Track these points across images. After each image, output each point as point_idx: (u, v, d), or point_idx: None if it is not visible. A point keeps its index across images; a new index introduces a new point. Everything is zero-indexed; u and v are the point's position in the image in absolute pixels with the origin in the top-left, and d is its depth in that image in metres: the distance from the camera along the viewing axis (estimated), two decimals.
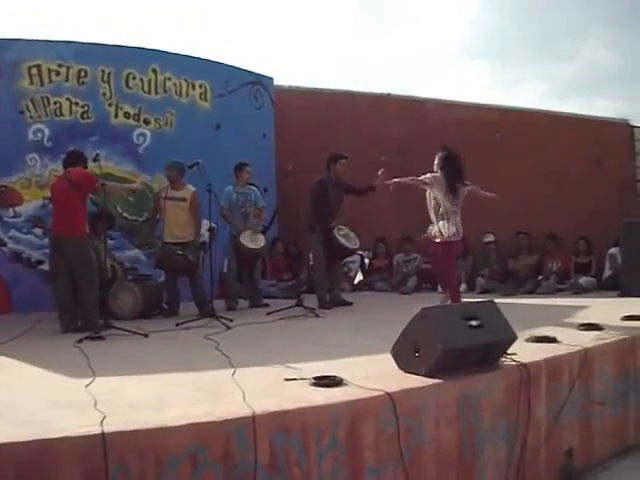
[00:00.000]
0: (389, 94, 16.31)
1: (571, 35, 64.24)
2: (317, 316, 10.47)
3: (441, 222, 9.61)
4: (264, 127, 15.47)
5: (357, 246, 12.45)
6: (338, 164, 11.94)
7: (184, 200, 11.27)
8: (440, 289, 10.49)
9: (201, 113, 14.22)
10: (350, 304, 12.03)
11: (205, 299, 10.83)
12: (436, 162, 9.83)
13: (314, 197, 11.81)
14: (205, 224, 11.08)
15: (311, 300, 11.39)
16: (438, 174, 9.73)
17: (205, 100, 14.30)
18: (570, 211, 13.96)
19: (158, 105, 13.58)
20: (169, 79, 13.70)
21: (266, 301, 12.20)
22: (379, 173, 10.51)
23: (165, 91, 13.66)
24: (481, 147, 14.56)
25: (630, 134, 14.39)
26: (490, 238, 14.55)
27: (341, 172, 11.97)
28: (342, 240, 11.77)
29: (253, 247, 11.77)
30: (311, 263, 12.58)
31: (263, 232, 12.44)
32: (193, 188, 11.13)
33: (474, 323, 5.79)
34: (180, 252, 10.94)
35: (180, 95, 13.89)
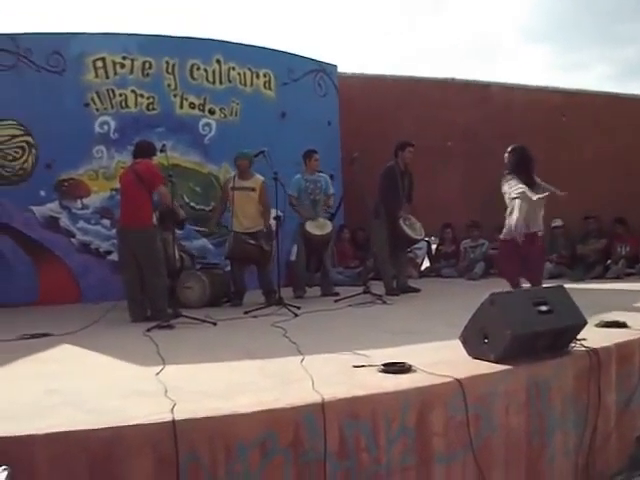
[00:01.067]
0: (453, 79, 16.21)
1: (632, 17, 63.30)
2: (384, 303, 10.42)
3: None
4: (329, 115, 15.45)
5: (422, 237, 12.47)
6: (406, 151, 11.88)
7: (253, 190, 11.28)
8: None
9: (266, 102, 14.22)
10: (418, 291, 11.95)
11: (273, 288, 10.82)
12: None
13: (383, 183, 11.78)
14: (272, 212, 11.05)
15: (378, 287, 11.36)
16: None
17: (269, 89, 14.32)
18: (638, 194, 13.76)
19: (223, 95, 13.62)
20: (233, 69, 13.73)
21: (335, 289, 12.13)
22: None
23: (229, 81, 13.69)
24: (547, 131, 14.44)
25: None
26: (558, 223, 14.34)
27: (408, 159, 11.91)
28: (407, 230, 11.70)
29: (318, 233, 11.75)
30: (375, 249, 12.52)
31: (330, 219, 12.38)
32: (261, 178, 11.15)
33: (543, 308, 5.74)
34: (252, 242, 10.98)
35: (244, 84, 13.92)
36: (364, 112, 15.74)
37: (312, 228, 11.77)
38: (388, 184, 11.69)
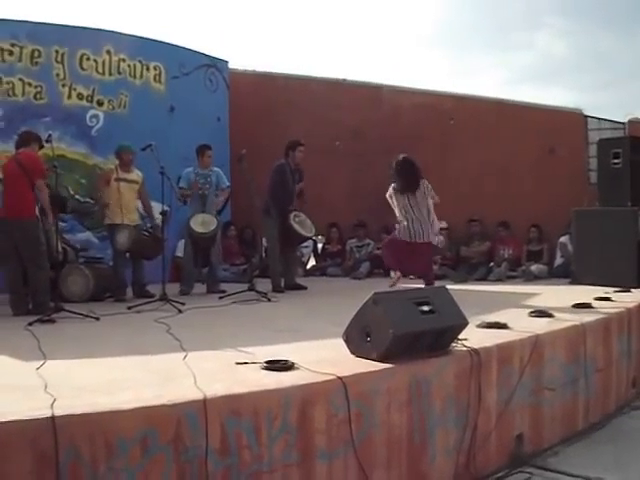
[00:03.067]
0: (344, 79, 16.31)
1: (526, 25, 64.79)
2: (269, 300, 10.43)
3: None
4: (218, 110, 15.48)
5: (312, 234, 12.62)
6: (297, 151, 12.04)
7: (137, 183, 11.32)
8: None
9: (155, 95, 14.15)
10: (304, 288, 12.09)
11: (145, 282, 11.16)
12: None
13: (273, 181, 11.91)
14: (158, 207, 10.91)
15: (264, 284, 11.37)
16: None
17: (159, 82, 14.23)
18: (523, 199, 14.13)
19: (112, 86, 13.51)
20: (123, 60, 13.61)
21: (220, 286, 12.10)
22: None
23: (119, 72, 13.58)
24: (435, 134, 14.69)
25: (583, 123, 14.53)
26: (442, 225, 14.38)
27: (299, 159, 12.07)
28: (297, 227, 11.83)
29: (201, 231, 11.70)
30: (265, 247, 12.58)
31: (216, 216, 12.29)
32: (139, 171, 11.30)
33: (426, 308, 5.76)
34: (147, 234, 11.19)
35: (134, 77, 13.80)
36: (254, 109, 15.85)
37: (195, 225, 11.71)
38: (279, 181, 11.83)
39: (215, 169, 12.42)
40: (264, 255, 13.11)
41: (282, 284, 11.95)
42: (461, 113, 15.14)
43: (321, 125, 15.43)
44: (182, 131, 13.31)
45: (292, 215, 11.82)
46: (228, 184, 12.56)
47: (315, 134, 14.51)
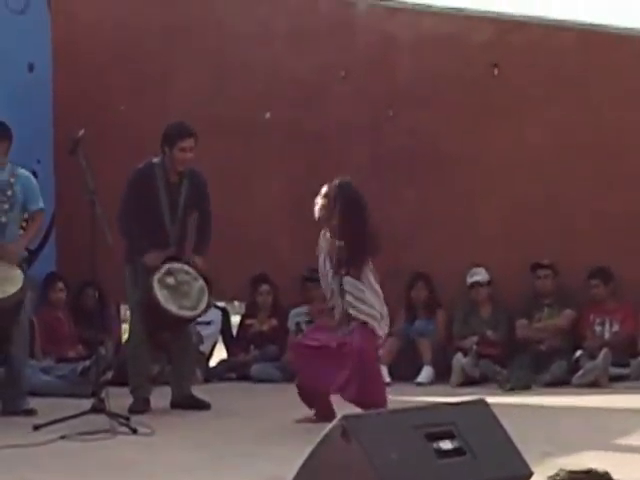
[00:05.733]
0: None
1: None
2: (134, 432, 6.60)
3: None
4: (31, 52, 10.23)
5: (198, 310, 7.94)
6: (177, 148, 7.57)
7: None
8: None
9: None
10: (205, 407, 7.87)
11: None
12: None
13: (126, 204, 7.74)
14: None
15: (125, 399, 7.64)
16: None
17: None
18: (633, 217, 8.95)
19: None
20: None
21: (34, 403, 7.79)
22: None
23: None
24: (465, 92, 9.27)
25: None
26: (479, 277, 9.59)
27: (180, 162, 7.69)
28: (160, 296, 7.37)
29: None
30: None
31: (25, 263, 7.92)
32: None
33: (447, 446, 3.56)
34: None
35: None
36: (105, 47, 10.41)
37: None
38: (129, 203, 7.63)
39: (21, 171, 7.94)
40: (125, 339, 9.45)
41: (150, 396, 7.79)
42: (513, 53, 9.42)
43: (234, 78, 9.81)
44: None
45: (161, 272, 7.50)
46: (42, 205, 7.99)
47: (222, 97, 9.61)
